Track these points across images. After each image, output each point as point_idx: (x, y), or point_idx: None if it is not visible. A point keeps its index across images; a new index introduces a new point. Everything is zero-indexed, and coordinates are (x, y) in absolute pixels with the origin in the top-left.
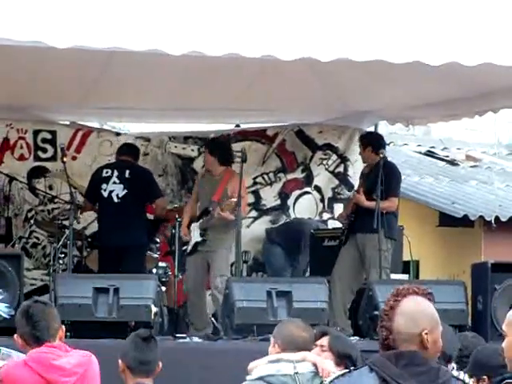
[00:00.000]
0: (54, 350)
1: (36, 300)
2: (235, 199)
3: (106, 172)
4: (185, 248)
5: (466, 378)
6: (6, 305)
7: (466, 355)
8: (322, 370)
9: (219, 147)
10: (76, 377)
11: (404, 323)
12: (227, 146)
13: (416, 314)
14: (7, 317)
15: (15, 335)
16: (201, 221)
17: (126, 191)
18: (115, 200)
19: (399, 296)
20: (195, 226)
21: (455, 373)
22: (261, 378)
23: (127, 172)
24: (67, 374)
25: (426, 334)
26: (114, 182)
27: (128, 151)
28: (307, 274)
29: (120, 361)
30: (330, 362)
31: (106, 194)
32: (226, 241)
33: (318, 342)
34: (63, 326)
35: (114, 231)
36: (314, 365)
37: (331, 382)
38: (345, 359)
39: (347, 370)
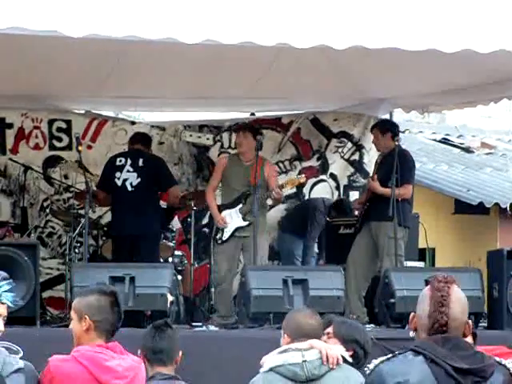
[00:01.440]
0: (107, 350)
1: (109, 288)
2: (300, 176)
3: (120, 161)
4: (218, 235)
5: (507, 363)
6: (13, 294)
7: None
8: (327, 356)
9: (260, 133)
10: (126, 380)
11: (460, 310)
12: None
13: (465, 303)
14: (13, 306)
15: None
16: (240, 205)
17: (139, 179)
18: (129, 188)
19: (448, 283)
20: (233, 212)
21: (498, 358)
22: (271, 370)
23: (141, 160)
24: (119, 376)
25: (468, 322)
26: (128, 171)
27: (140, 140)
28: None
29: (139, 351)
30: (340, 347)
31: (119, 183)
32: (265, 225)
33: (325, 331)
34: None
35: (127, 220)
36: (320, 352)
37: (376, 366)
38: (351, 344)
39: (391, 355)
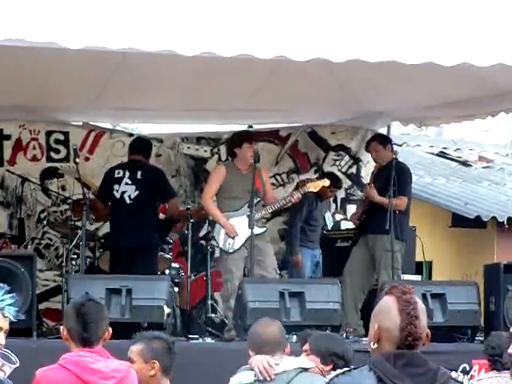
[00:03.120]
0: (92, 354)
1: (90, 298)
2: (323, 180)
3: (118, 173)
4: (227, 244)
5: (466, 380)
6: (16, 308)
7: (498, 354)
8: (260, 371)
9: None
10: (114, 381)
11: (424, 322)
12: None
13: (425, 312)
14: (15, 320)
15: (62, 327)
16: (254, 213)
17: (137, 192)
18: (127, 201)
19: (411, 293)
20: (244, 220)
21: (454, 374)
22: None
23: (139, 173)
24: (105, 376)
25: (428, 332)
26: (126, 183)
27: (139, 149)
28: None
29: (156, 363)
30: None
31: (118, 195)
32: (272, 237)
33: (304, 348)
34: (110, 328)
35: (125, 232)
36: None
37: (331, 379)
38: (330, 357)
39: (347, 369)
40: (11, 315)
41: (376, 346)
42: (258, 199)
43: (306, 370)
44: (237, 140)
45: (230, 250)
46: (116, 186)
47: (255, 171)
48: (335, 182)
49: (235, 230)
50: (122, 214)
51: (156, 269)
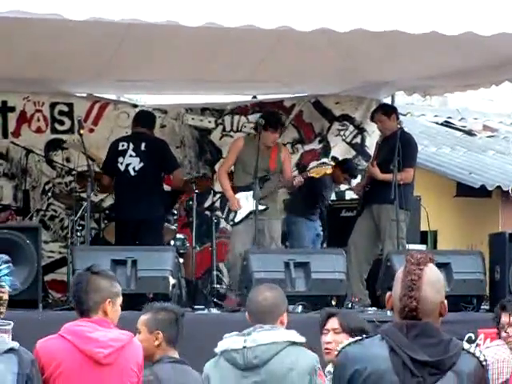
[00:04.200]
0: (91, 324)
1: (89, 268)
2: (326, 167)
3: (122, 145)
4: (230, 216)
5: (478, 351)
6: (11, 278)
7: None
8: None
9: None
10: (111, 349)
11: (431, 293)
12: None
13: (437, 283)
14: (11, 290)
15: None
16: (258, 189)
17: (142, 164)
18: (132, 173)
19: (421, 265)
20: (249, 195)
21: (466, 346)
22: (222, 353)
23: (143, 145)
24: (101, 345)
25: (443, 302)
26: (131, 155)
27: (143, 122)
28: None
29: (160, 334)
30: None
31: (122, 168)
32: (278, 209)
33: (329, 327)
34: (114, 299)
35: (131, 205)
36: None
37: (343, 348)
38: (358, 334)
39: (359, 338)
40: (7, 285)
41: (392, 313)
42: (266, 176)
43: (295, 343)
44: (264, 120)
45: (231, 222)
46: (120, 159)
47: (276, 148)
48: (351, 171)
49: (237, 205)
50: (127, 187)
51: (162, 240)
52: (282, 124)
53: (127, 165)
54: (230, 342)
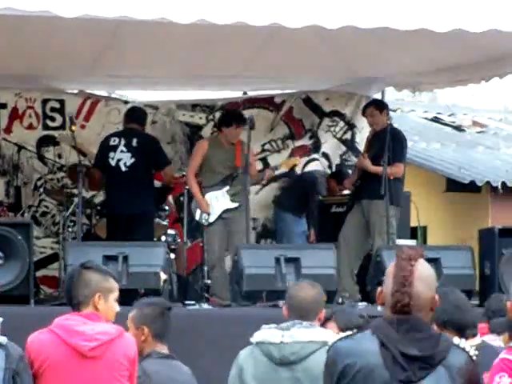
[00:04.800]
0: (79, 318)
1: (82, 263)
2: (294, 158)
3: (114, 140)
4: (203, 217)
5: (467, 346)
6: None
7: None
8: None
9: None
10: (97, 343)
11: (423, 288)
12: None
13: (429, 279)
14: None
15: None
16: (227, 187)
17: (133, 160)
18: (123, 169)
19: (412, 260)
20: (219, 194)
21: (456, 341)
22: (256, 344)
23: (134, 140)
24: (87, 338)
25: (434, 297)
26: (122, 151)
27: (134, 118)
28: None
29: (145, 329)
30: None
31: (113, 163)
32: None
33: (329, 326)
34: (105, 294)
35: (121, 200)
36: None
37: (334, 343)
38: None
39: (350, 333)
40: None
41: (382, 309)
42: (235, 175)
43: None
44: (227, 118)
45: (206, 223)
46: (111, 154)
47: (239, 145)
48: (341, 179)
49: (206, 208)
50: (118, 182)
51: (153, 235)
52: (243, 120)
53: (118, 160)
54: (269, 334)
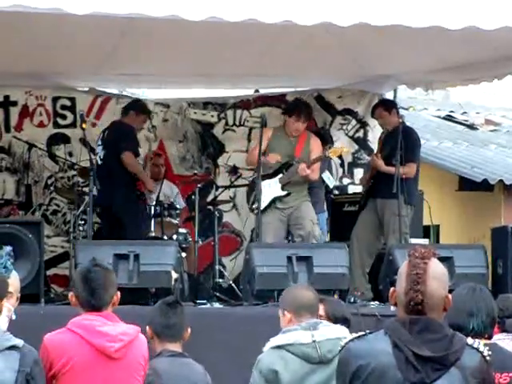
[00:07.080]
0: (99, 318)
1: (97, 263)
2: (342, 146)
3: (99, 137)
4: (254, 205)
5: (481, 346)
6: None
7: (507, 316)
8: None
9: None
10: (122, 343)
11: (437, 286)
12: None
13: (442, 277)
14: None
15: (70, 293)
16: (281, 175)
17: (104, 151)
18: (99, 162)
19: (425, 259)
20: (272, 182)
21: (470, 341)
22: (279, 347)
23: (106, 132)
24: (112, 339)
25: (447, 296)
26: (99, 145)
27: (123, 110)
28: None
29: (148, 328)
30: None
31: (98, 159)
32: (307, 196)
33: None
34: (118, 292)
35: (100, 194)
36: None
37: (346, 343)
38: (341, 323)
39: (363, 333)
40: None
41: (395, 309)
42: (290, 163)
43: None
44: (290, 108)
45: (255, 211)
46: (98, 150)
47: (304, 136)
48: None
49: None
50: (98, 176)
51: (140, 224)
52: (304, 113)
53: (99, 155)
54: (298, 335)
